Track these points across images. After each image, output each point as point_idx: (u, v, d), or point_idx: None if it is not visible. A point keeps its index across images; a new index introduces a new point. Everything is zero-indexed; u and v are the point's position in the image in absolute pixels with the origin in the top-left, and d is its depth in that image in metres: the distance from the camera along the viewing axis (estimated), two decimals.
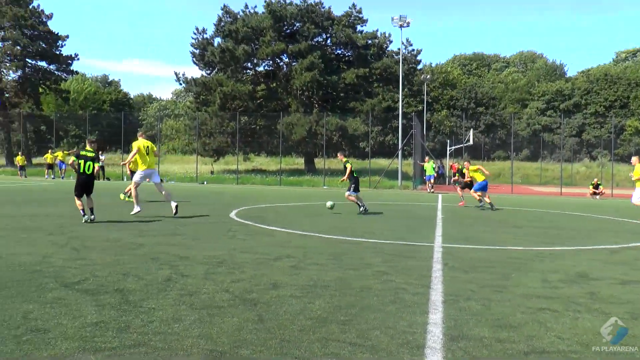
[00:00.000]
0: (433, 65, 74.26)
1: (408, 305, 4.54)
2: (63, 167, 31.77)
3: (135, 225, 9.56)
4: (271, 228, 9.71)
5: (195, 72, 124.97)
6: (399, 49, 34.67)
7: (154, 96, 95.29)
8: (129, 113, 67.14)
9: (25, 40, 44.02)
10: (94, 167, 9.57)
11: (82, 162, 9.58)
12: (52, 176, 31.78)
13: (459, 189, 18.42)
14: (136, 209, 10.79)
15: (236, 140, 33.97)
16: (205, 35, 37.65)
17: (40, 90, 48.18)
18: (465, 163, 17.34)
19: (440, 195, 23.74)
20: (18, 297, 4.48)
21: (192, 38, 37.97)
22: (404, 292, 4.98)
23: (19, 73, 46.06)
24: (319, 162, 37.51)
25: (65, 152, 33.56)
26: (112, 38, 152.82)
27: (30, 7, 45.15)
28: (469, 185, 16.76)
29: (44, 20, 46.25)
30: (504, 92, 69.25)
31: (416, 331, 3.83)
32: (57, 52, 47.29)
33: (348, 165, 12.65)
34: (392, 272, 5.93)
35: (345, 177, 12.76)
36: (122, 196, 14.80)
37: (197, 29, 37.51)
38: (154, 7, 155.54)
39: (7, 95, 45.75)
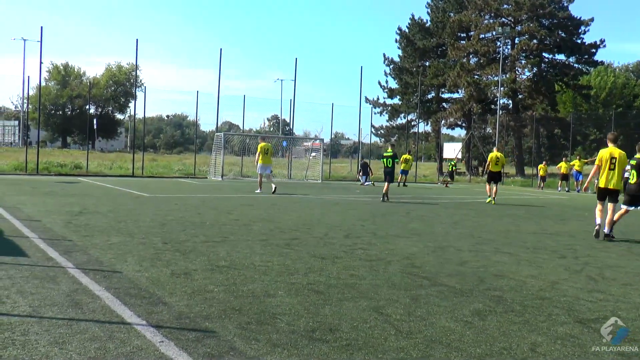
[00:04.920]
0: None
1: None
2: (580, 178, 31.78)
3: None
4: None
5: None
6: None
7: None
8: None
9: (543, 32, 46.59)
10: (393, 163, 18.46)
11: (384, 160, 18.56)
12: (567, 188, 32.63)
13: None
14: (257, 190, 19.51)
15: None
16: None
17: (557, 88, 50.79)
18: None
19: None
20: (525, 324, 4.83)
21: None
22: None
23: (534, 71, 49.44)
24: None
25: (583, 160, 33.54)
26: None
27: None
28: None
29: (564, 5, 48.40)
30: None
31: None
32: (578, 41, 48.90)
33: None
34: None
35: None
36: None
37: None
38: None
39: (520, 96, 49.99)
